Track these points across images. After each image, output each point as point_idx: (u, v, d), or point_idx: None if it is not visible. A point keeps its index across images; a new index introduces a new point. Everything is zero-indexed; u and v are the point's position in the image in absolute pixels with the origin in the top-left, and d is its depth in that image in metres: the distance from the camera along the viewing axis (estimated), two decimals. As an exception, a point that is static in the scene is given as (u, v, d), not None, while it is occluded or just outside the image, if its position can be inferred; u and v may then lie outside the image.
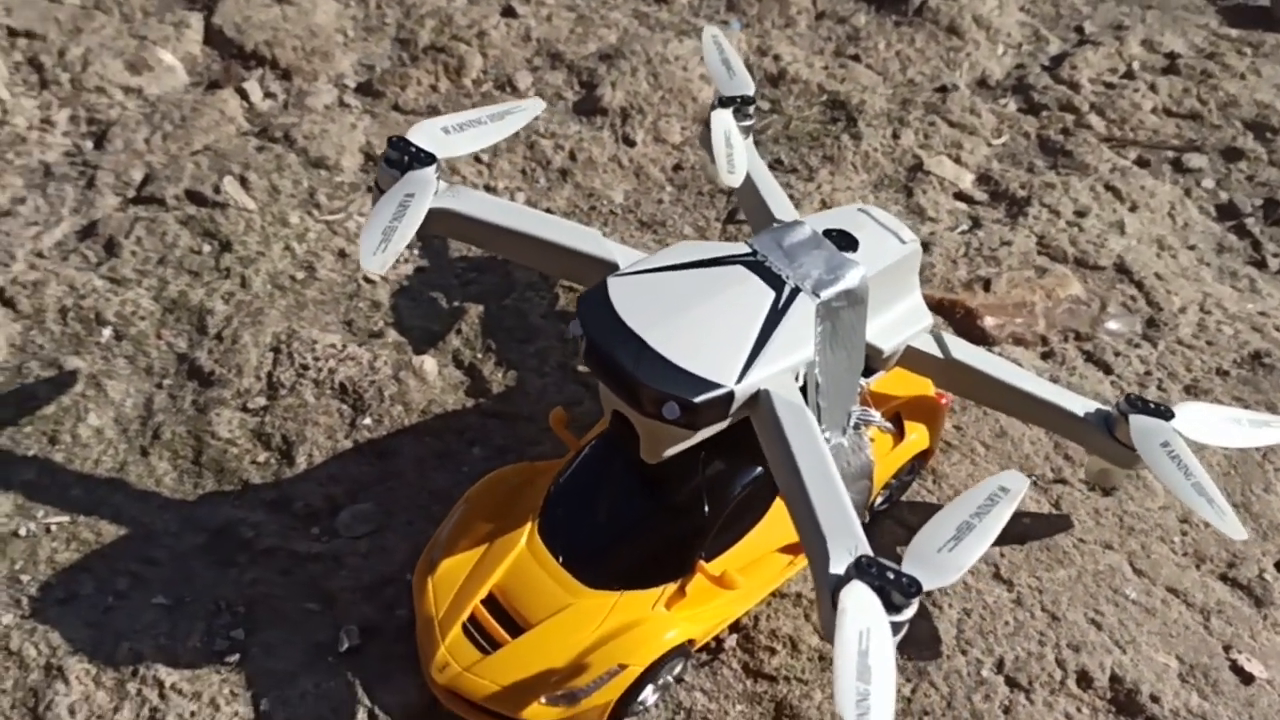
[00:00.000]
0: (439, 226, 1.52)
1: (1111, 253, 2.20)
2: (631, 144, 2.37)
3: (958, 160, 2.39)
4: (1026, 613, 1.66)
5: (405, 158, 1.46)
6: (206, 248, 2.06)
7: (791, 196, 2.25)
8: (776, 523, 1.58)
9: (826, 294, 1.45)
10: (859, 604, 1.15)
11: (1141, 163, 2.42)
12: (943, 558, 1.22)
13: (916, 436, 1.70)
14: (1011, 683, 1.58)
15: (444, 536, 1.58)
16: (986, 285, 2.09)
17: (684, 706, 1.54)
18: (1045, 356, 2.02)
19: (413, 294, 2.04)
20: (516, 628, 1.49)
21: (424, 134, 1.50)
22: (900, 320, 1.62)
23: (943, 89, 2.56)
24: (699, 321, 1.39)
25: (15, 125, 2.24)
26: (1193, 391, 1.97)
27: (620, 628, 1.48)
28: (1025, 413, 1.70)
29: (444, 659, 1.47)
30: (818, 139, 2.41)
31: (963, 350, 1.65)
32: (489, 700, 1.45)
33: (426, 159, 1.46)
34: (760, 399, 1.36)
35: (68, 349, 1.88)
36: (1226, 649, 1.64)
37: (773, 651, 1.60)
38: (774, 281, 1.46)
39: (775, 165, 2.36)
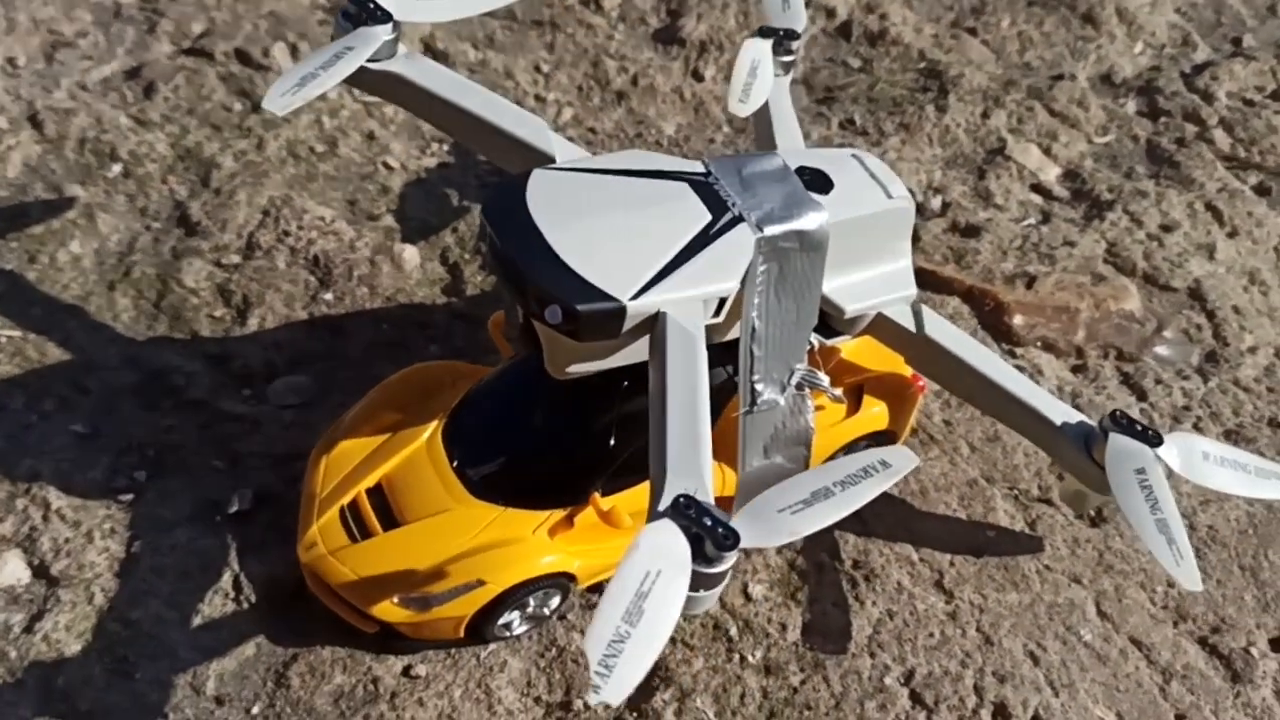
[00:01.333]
0: (387, 92, 1.45)
1: (1188, 275, 1.97)
2: (700, 79, 2.26)
3: (1047, 151, 2.18)
4: (958, 629, 1.49)
5: (362, 13, 1.40)
6: (238, 106, 2.05)
7: (850, 158, 2.10)
8: (694, 473, 1.46)
9: (772, 230, 1.32)
10: (658, 544, 1.03)
11: (1261, 190, 2.17)
12: (781, 519, 1.09)
13: (875, 413, 1.55)
14: (916, 698, 1.42)
15: (349, 418, 1.53)
16: (1031, 283, 1.90)
17: (556, 644, 1.45)
18: (1076, 370, 1.83)
19: (427, 186, 1.98)
20: (393, 522, 1.43)
21: None
22: (874, 283, 1.47)
23: (1058, 77, 2.35)
24: (614, 230, 1.28)
25: (102, -35, 2.28)
26: (1234, 438, 1.75)
27: (492, 543, 1.39)
28: (997, 410, 1.52)
29: (313, 538, 1.41)
30: (900, 105, 2.25)
31: (939, 329, 1.49)
32: (344, 588, 1.39)
33: (382, 17, 1.39)
34: (658, 321, 1.25)
35: (75, 177, 1.90)
36: (1179, 718, 1.44)
37: (666, 609, 1.48)
38: (716, 206, 1.33)
39: (846, 125, 2.21)
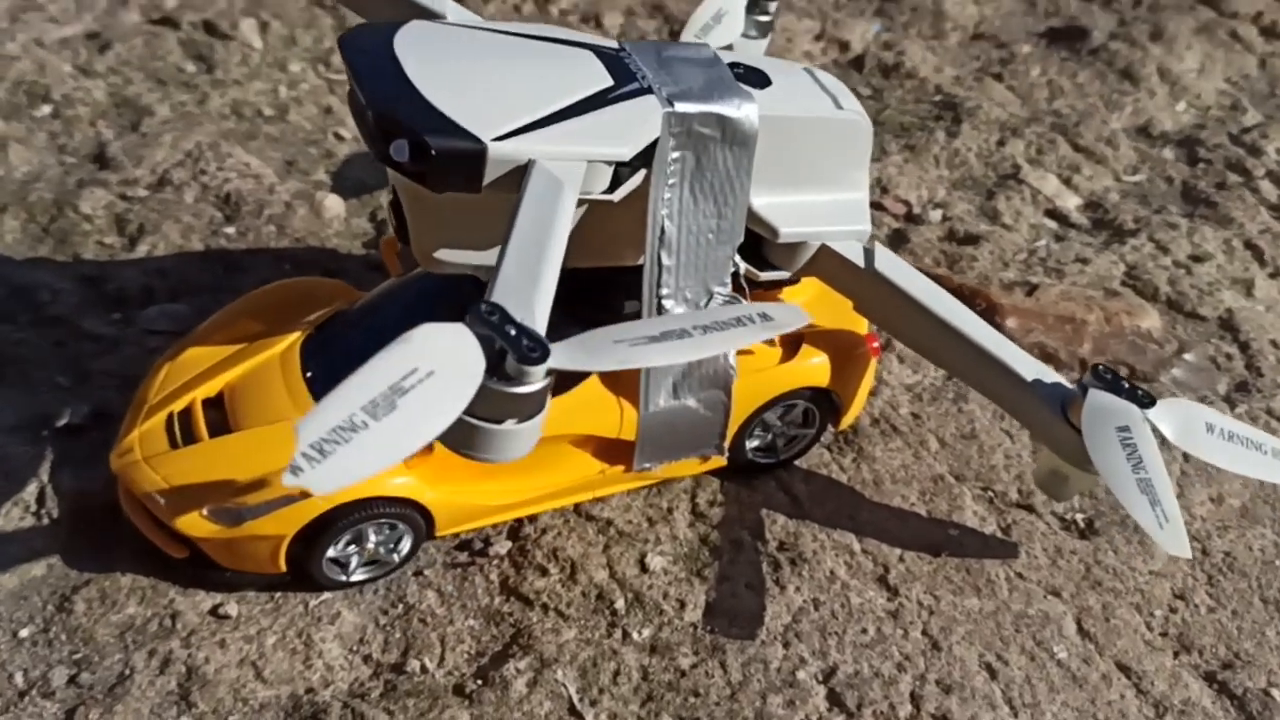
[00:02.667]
0: None
1: (1219, 305, 1.71)
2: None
3: (1067, 182, 1.97)
4: (899, 629, 1.21)
5: None
6: (191, 68, 1.94)
7: (844, 168, 1.91)
8: (586, 408, 1.23)
9: (686, 107, 1.12)
10: (439, 344, 0.80)
11: (1312, 241, 1.92)
12: (613, 348, 0.86)
13: (814, 365, 1.30)
14: (835, 699, 1.14)
15: (205, 324, 1.33)
16: (1032, 291, 1.66)
17: (404, 600, 1.20)
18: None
19: (371, 159, 1.82)
20: (227, 432, 1.21)
21: None
22: (819, 210, 1.25)
23: (1088, 119, 2.15)
24: (490, 75, 1.09)
25: (95, -51, 2.23)
26: (1264, 467, 1.46)
27: (330, 457, 1.16)
28: (957, 365, 1.27)
29: (130, 444, 1.20)
30: (908, 130, 2.06)
31: (891, 265, 1.26)
32: (151, 499, 1.16)
33: None
34: (528, 171, 1.04)
35: (0, 115, 1.78)
36: (1173, 760, 1.13)
37: (544, 573, 1.23)
38: (622, 75, 1.14)
39: (846, 143, 2.02)
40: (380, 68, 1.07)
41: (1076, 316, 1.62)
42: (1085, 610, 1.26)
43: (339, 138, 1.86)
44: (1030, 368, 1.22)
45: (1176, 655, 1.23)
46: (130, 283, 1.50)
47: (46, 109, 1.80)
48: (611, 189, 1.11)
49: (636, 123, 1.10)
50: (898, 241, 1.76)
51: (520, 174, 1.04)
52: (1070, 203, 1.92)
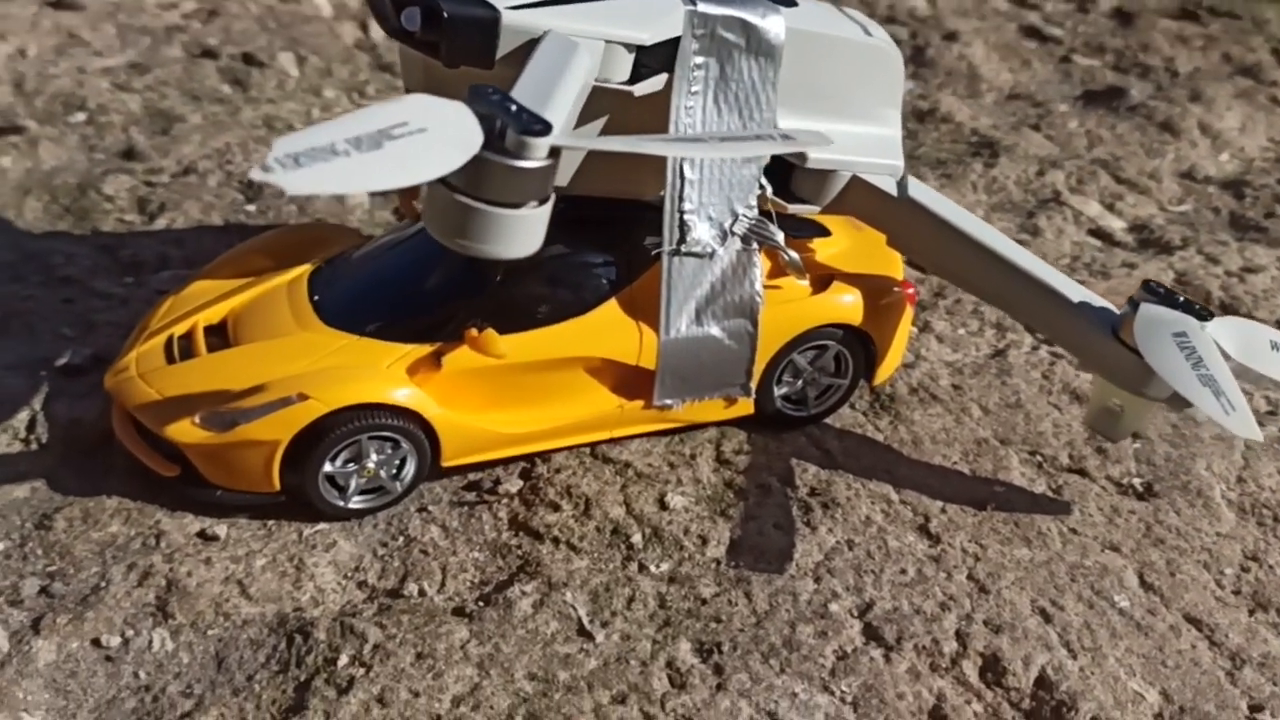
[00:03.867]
0: None
1: (1276, 309, 1.63)
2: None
3: (1110, 208, 1.91)
4: (941, 572, 1.11)
5: None
6: (227, 89, 1.95)
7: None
8: (604, 330, 1.16)
9: (709, 8, 1.09)
10: (437, 110, 0.76)
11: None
12: (623, 138, 0.80)
13: (845, 302, 1.23)
14: (872, 633, 1.03)
15: (214, 262, 1.29)
16: (1077, 287, 1.59)
17: (405, 533, 1.12)
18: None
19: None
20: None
21: None
22: (850, 140, 1.21)
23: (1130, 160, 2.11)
24: (506, -43, 1.07)
25: (145, 1, 2.29)
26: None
27: (332, 367, 1.10)
28: (998, 292, 1.20)
29: (126, 363, 1.15)
30: (943, 163, 2.03)
31: (925, 193, 1.20)
32: (141, 410, 1.11)
33: None
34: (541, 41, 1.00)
35: (34, 119, 1.79)
36: (1254, 710, 1.01)
37: (556, 509, 1.15)
38: (643, -29, 1.12)
39: (881, 173, 1.99)
40: None
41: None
42: (1148, 565, 1.15)
43: (369, 153, 1.85)
44: (1076, 291, 1.15)
45: (1252, 613, 1.11)
46: (146, 251, 1.48)
47: (81, 116, 1.81)
48: (631, 83, 1.08)
49: (658, 13, 1.07)
50: (935, 244, 1.71)
51: (532, 47, 1.01)
52: (1114, 224, 1.87)
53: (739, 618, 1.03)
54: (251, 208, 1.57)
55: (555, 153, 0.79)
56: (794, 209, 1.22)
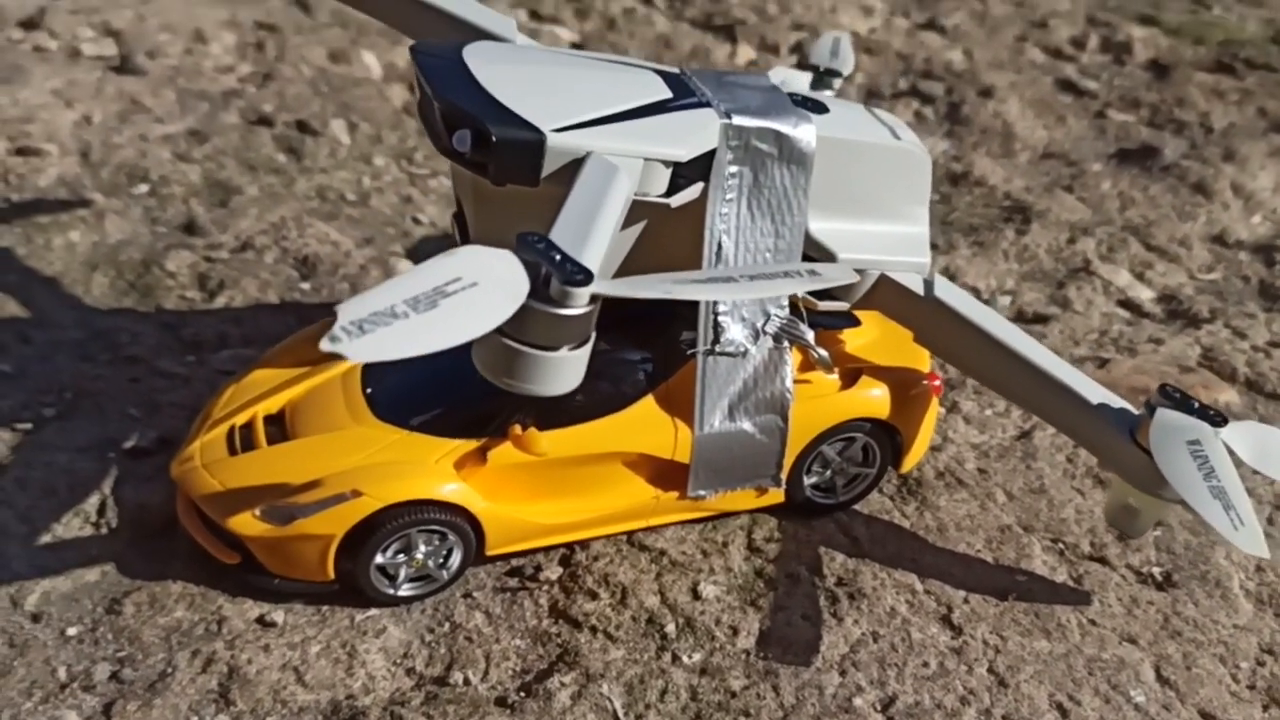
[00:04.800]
0: None
1: (1302, 386, 1.66)
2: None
3: (1140, 277, 1.95)
4: (962, 665, 1.15)
5: None
6: (282, 158, 2.03)
7: (911, 258, 1.92)
8: (641, 426, 1.22)
9: (744, 121, 1.15)
10: (485, 261, 0.82)
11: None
12: (658, 282, 0.86)
13: (873, 396, 1.28)
14: (893, 728, 1.08)
15: (272, 351, 1.36)
16: (1103, 364, 1.63)
17: (451, 619, 1.18)
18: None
19: (453, 242, 1.88)
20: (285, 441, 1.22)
21: None
22: (877, 238, 1.27)
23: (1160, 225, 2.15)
24: (553, 81, 1.14)
25: (202, 65, 2.38)
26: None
27: (384, 463, 1.16)
28: (1020, 391, 1.25)
29: (191, 453, 1.22)
30: (976, 229, 2.07)
31: (950, 293, 1.25)
32: (205, 500, 1.18)
33: None
34: (583, 162, 1.07)
35: (100, 190, 1.88)
36: (1264, 808, 1.05)
37: (594, 596, 1.20)
38: (681, 90, 1.18)
39: (914, 240, 2.04)
40: (448, 70, 1.12)
41: (1150, 389, 1.58)
42: (1164, 658, 1.19)
43: (417, 221, 1.92)
44: (1095, 392, 1.20)
45: (1266, 709, 1.15)
46: (207, 329, 1.55)
47: (144, 188, 1.89)
48: (668, 195, 1.13)
49: (694, 129, 1.13)
50: (965, 319, 1.75)
51: (577, 169, 1.07)
52: (1143, 294, 1.90)
53: (767, 711, 1.09)
54: (306, 285, 1.64)
55: (596, 298, 0.85)
56: (824, 306, 1.27)
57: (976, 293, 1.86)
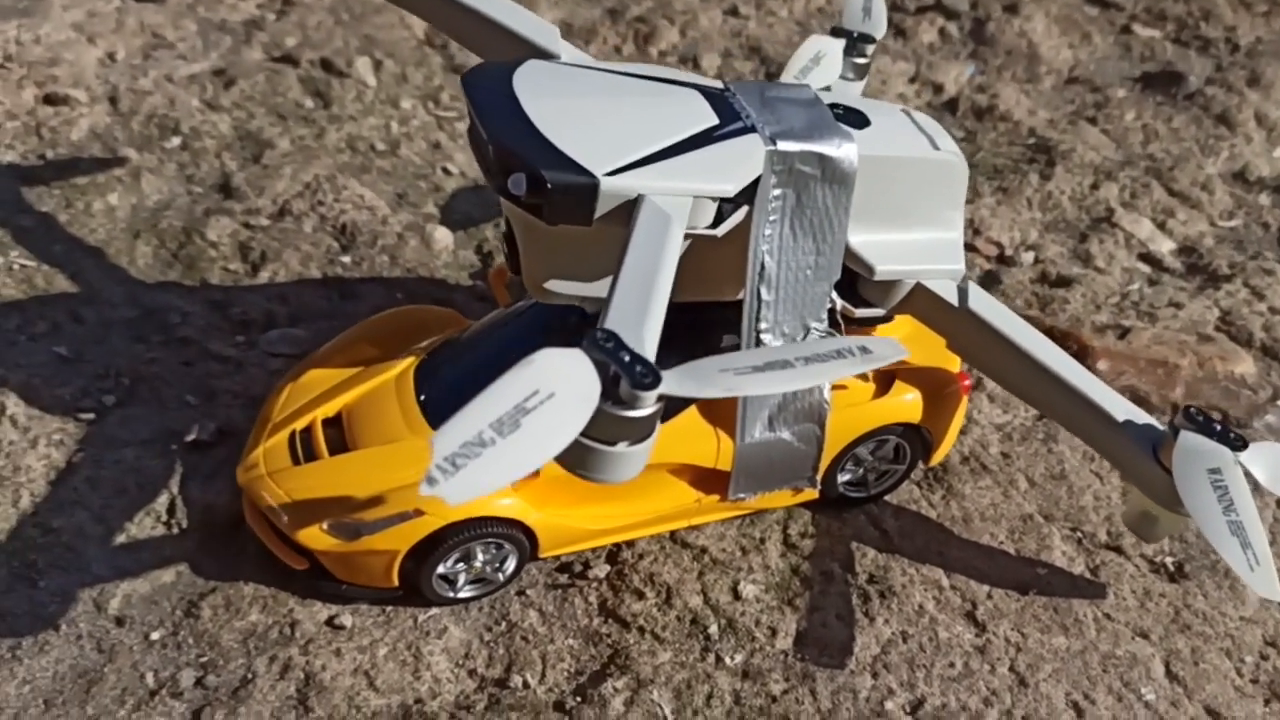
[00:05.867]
0: None
1: (1316, 351, 1.71)
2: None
3: (1161, 226, 1.98)
4: (986, 664, 1.24)
5: None
6: (309, 103, 2.03)
7: (937, 209, 1.94)
8: (685, 437, 1.28)
9: (788, 146, 1.17)
10: (560, 367, 0.86)
11: None
12: (720, 377, 0.91)
13: (906, 401, 1.34)
14: (922, 730, 1.17)
15: (324, 349, 1.41)
16: (1124, 334, 1.68)
17: (507, 618, 1.26)
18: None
19: (483, 192, 1.90)
20: (345, 452, 1.28)
21: None
22: (913, 248, 1.30)
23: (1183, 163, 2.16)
24: (603, 112, 1.15)
25: (220, -10, 2.35)
26: (1359, 516, 1.46)
27: (442, 478, 1.22)
28: (1048, 403, 1.30)
29: (255, 459, 1.28)
30: (1000, 172, 2.08)
31: (985, 304, 1.29)
32: (275, 512, 1.24)
33: None
34: (636, 207, 1.10)
35: (134, 144, 1.89)
36: (1260, 805, 1.14)
37: (641, 596, 1.28)
38: (727, 114, 1.20)
39: (939, 184, 2.05)
40: (500, 105, 1.14)
41: (1169, 360, 1.63)
42: (1174, 653, 1.27)
43: (447, 172, 1.93)
44: (1121, 408, 1.25)
45: (1267, 703, 1.24)
46: (253, 307, 1.59)
47: (176, 140, 1.90)
48: (715, 224, 1.17)
49: (740, 160, 1.16)
50: (990, 283, 1.79)
51: (629, 208, 1.10)
52: (1164, 247, 1.94)
53: (805, 716, 1.17)
54: (346, 259, 1.68)
55: (662, 397, 0.89)
56: (860, 314, 1.31)
57: (1001, 248, 1.89)
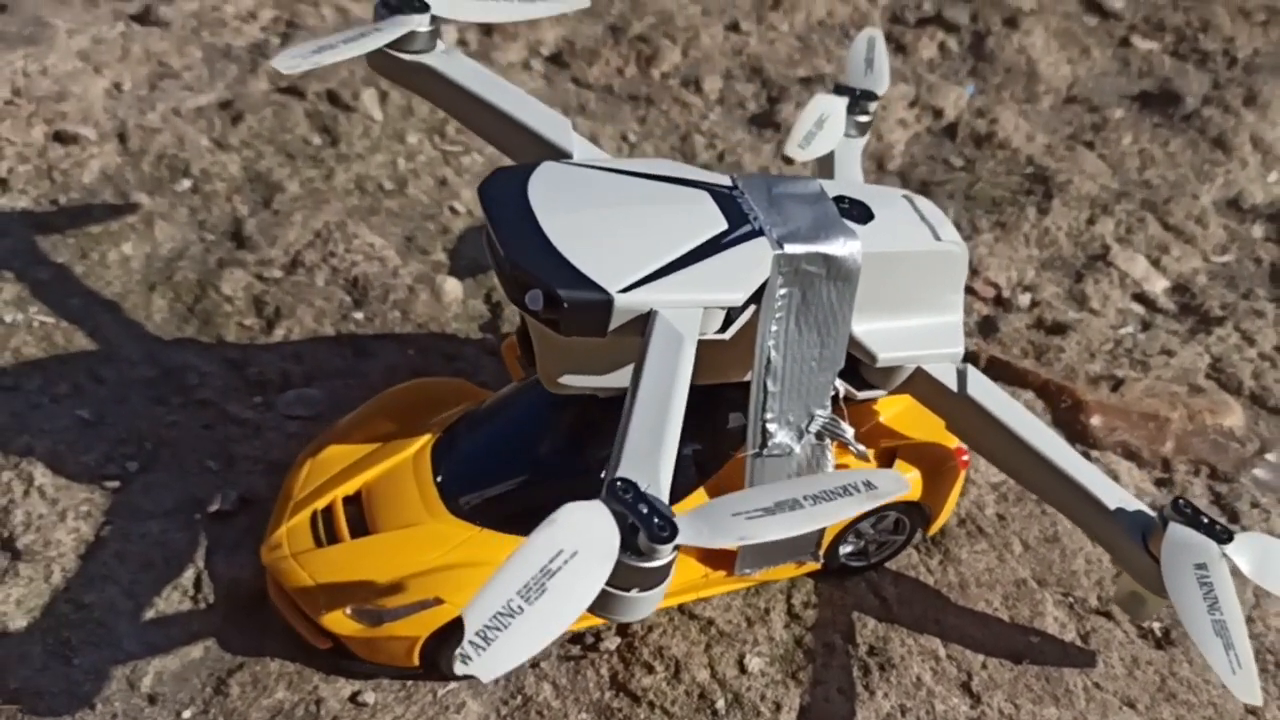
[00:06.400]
0: (420, 86, 1.42)
1: (1304, 399, 1.76)
2: (790, 163, 2.18)
3: (1156, 263, 2.01)
4: (980, 737, 1.30)
5: (402, 3, 1.37)
6: (317, 140, 2.06)
7: (936, 248, 1.98)
8: (693, 518, 1.32)
9: (795, 249, 1.21)
10: (581, 522, 0.91)
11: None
12: (733, 522, 0.95)
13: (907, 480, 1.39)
14: (918, 807, 1.23)
15: (342, 423, 1.45)
16: (1117, 386, 1.72)
17: (523, 692, 1.31)
18: (1160, 483, 1.63)
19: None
20: (364, 532, 1.33)
21: None
22: (914, 333, 1.34)
23: (1178, 194, 2.19)
24: (615, 222, 1.19)
25: (224, 12, 2.36)
26: (1340, 575, 1.52)
27: (459, 563, 1.28)
28: (1043, 488, 1.35)
29: (279, 539, 1.33)
30: (999, 205, 2.12)
31: (983, 390, 1.34)
32: (299, 594, 1.29)
33: (420, 7, 1.37)
34: (649, 321, 1.14)
35: (145, 188, 1.91)
36: None
37: (650, 670, 1.33)
38: (735, 216, 1.24)
39: (938, 218, 2.09)
40: (516, 218, 1.17)
41: (1160, 414, 1.68)
42: (1159, 723, 1.34)
43: (454, 211, 1.97)
44: (1114, 496, 1.30)
45: (1246, 771, 1.31)
46: (269, 367, 1.63)
47: (186, 183, 1.93)
48: (724, 328, 1.21)
49: (749, 267, 1.20)
50: (988, 329, 1.83)
51: (642, 320, 1.14)
52: (1158, 286, 1.98)
53: (807, 792, 1.24)
54: (359, 315, 1.71)
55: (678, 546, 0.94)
56: (863, 396, 1.36)
57: (998, 289, 1.93)
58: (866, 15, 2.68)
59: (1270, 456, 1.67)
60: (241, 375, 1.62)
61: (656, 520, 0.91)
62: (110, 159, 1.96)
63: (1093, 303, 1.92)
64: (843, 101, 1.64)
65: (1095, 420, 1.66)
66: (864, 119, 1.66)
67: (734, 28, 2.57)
